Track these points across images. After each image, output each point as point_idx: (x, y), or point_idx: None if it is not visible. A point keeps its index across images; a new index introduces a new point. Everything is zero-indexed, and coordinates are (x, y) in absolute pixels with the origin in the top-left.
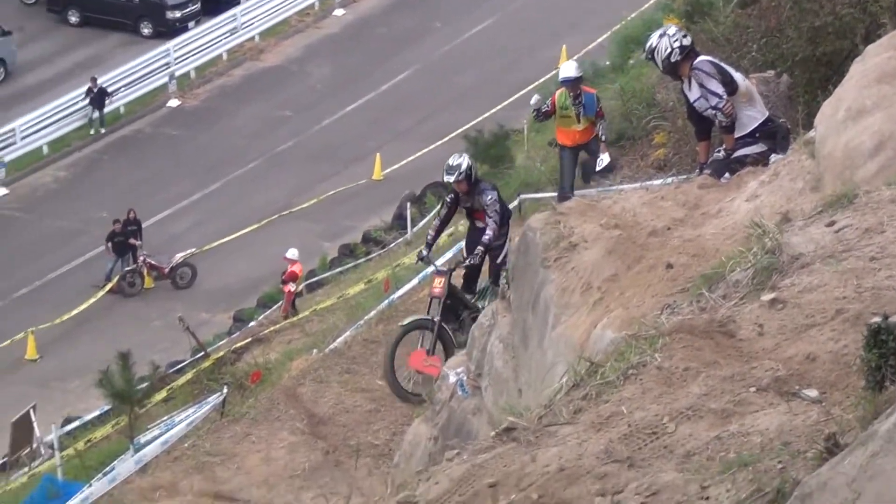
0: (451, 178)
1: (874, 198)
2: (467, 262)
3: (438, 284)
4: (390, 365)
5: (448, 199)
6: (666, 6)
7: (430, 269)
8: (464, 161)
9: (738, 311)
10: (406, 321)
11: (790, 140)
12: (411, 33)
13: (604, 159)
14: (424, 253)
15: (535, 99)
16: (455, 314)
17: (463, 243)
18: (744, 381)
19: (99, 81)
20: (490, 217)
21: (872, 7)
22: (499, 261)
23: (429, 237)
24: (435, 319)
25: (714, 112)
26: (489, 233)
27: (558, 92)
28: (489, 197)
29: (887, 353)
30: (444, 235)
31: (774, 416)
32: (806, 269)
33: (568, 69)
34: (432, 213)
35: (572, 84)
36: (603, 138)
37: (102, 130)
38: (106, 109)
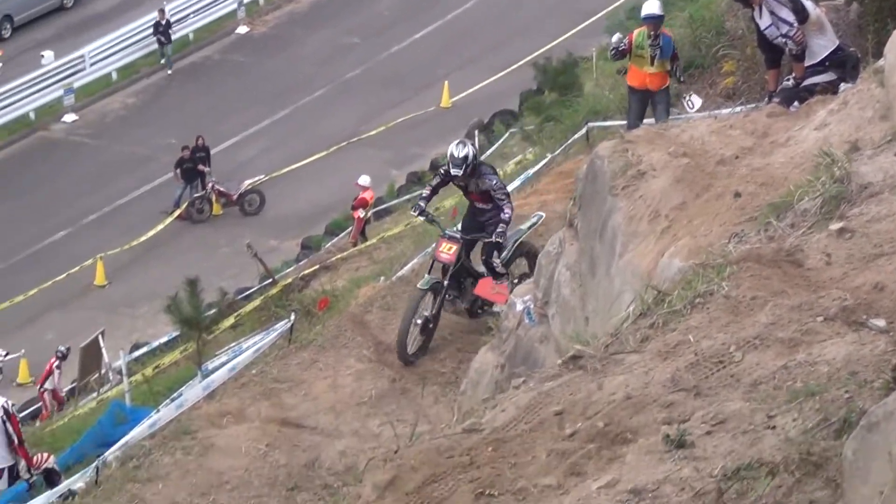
0: (460, 172)
1: None
2: (494, 238)
3: (447, 251)
4: (407, 326)
5: (442, 172)
6: None
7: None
8: (469, 151)
9: (806, 240)
10: (423, 283)
11: (860, 69)
12: None
13: (694, 102)
14: (423, 206)
15: (616, 37)
16: (459, 281)
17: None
18: (811, 311)
19: (168, 10)
20: (501, 200)
21: None
22: (495, 237)
23: (421, 201)
24: (444, 284)
25: (785, 40)
26: (508, 212)
27: (636, 31)
28: (493, 182)
29: None
30: (512, 163)
31: (842, 345)
32: (874, 199)
33: (652, 6)
34: (497, 145)
35: (654, 22)
36: (682, 79)
37: (170, 68)
38: (176, 36)
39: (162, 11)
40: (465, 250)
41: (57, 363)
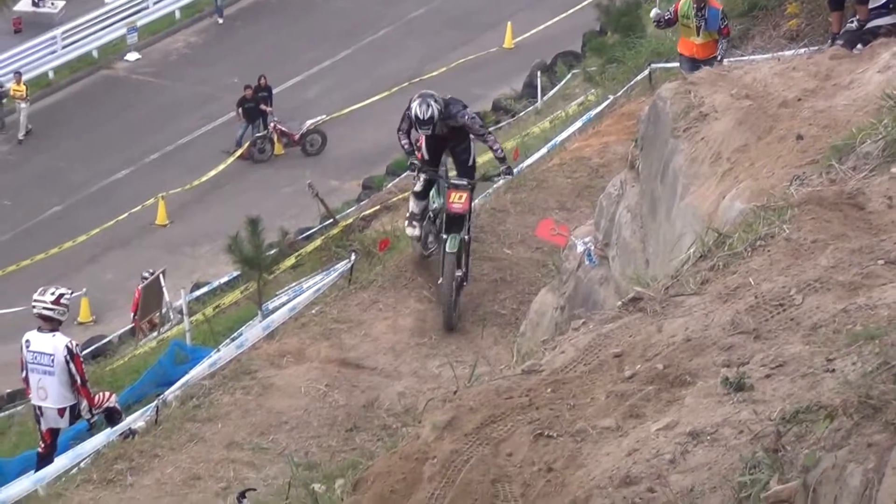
0: (429, 131)
1: None
2: (506, 176)
3: (459, 199)
4: (450, 293)
5: (408, 115)
6: None
7: (502, 167)
8: (433, 108)
9: (868, 183)
10: (454, 246)
11: None
12: None
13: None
14: (414, 162)
15: (654, 13)
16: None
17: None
18: (872, 254)
19: None
20: (482, 133)
21: None
22: (470, 163)
23: (405, 146)
24: (466, 238)
25: None
26: (497, 146)
27: (682, 1)
28: (467, 116)
29: None
30: (574, 105)
31: None
32: None
33: None
34: (559, 86)
35: None
36: (720, 58)
37: (220, 20)
38: None
39: None
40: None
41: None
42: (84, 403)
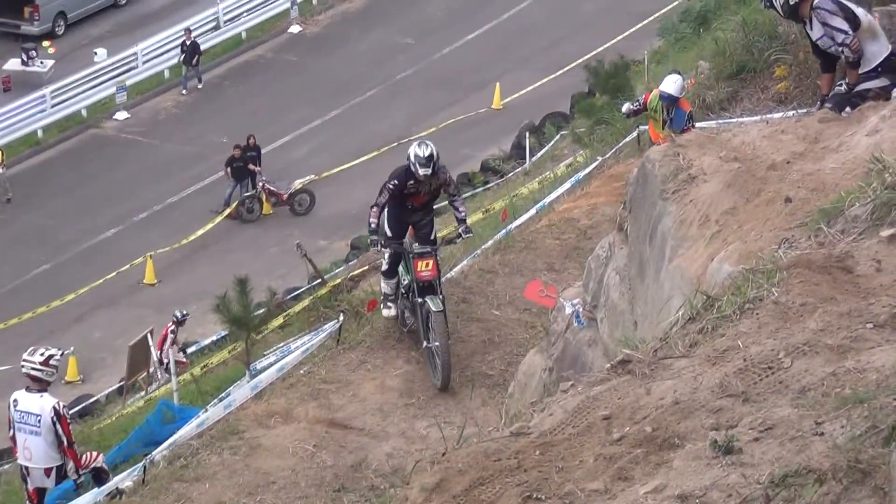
0: (429, 171)
1: None
2: (465, 236)
3: (426, 267)
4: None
5: (392, 187)
6: None
7: (460, 228)
8: (432, 148)
9: (857, 246)
10: (439, 305)
11: None
12: None
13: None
14: (375, 239)
15: (626, 107)
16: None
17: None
18: (861, 317)
19: (193, 34)
20: (454, 194)
21: None
22: (432, 237)
23: (372, 224)
24: (441, 301)
25: (841, 48)
26: (462, 209)
27: (652, 92)
28: (447, 173)
29: None
30: (563, 166)
31: (891, 352)
32: None
33: (668, 84)
34: (548, 147)
35: (667, 103)
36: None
37: (200, 86)
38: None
39: (188, 31)
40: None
41: (173, 328)
42: (70, 464)
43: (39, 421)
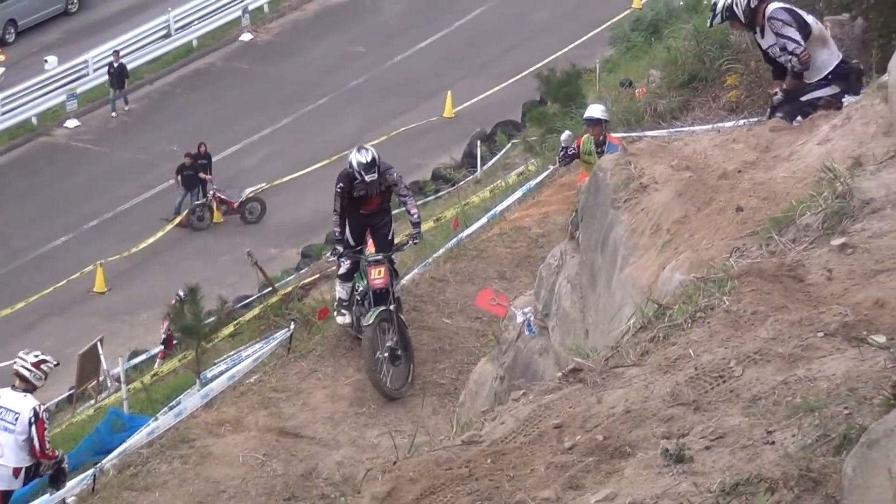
0: (375, 176)
1: None
2: (414, 242)
3: (379, 274)
4: (373, 367)
5: (339, 190)
6: None
7: (414, 231)
8: (373, 152)
9: (808, 255)
10: (369, 319)
11: (863, 82)
12: None
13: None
14: (340, 249)
15: (566, 135)
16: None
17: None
18: (812, 326)
19: (122, 55)
20: (405, 195)
21: None
22: (390, 237)
23: (337, 233)
24: (390, 308)
25: (790, 57)
26: (415, 211)
27: (584, 136)
28: (396, 174)
29: None
30: (514, 174)
31: (842, 361)
32: (877, 214)
33: (594, 110)
34: (499, 156)
35: (594, 126)
36: None
37: (126, 108)
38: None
39: (116, 53)
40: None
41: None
42: (44, 464)
43: (16, 419)
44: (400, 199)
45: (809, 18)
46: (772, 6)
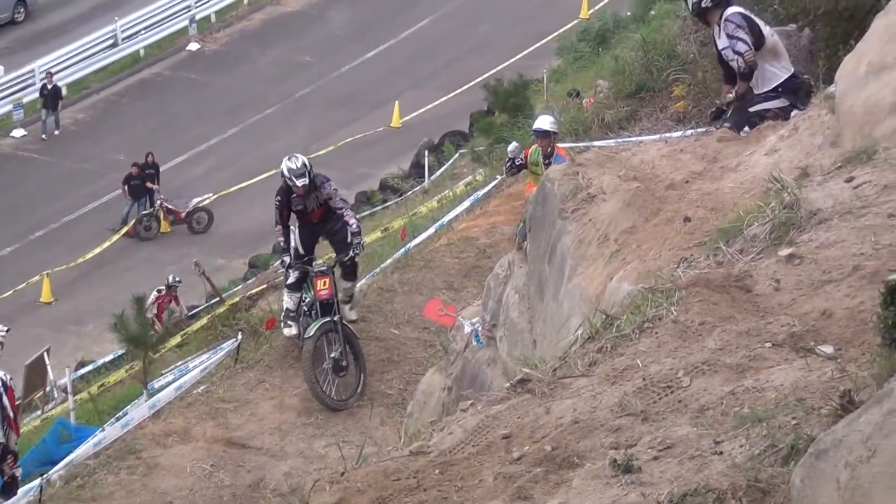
0: (306, 181)
1: (893, 154)
2: (352, 256)
3: (324, 286)
4: (312, 378)
5: (277, 202)
6: None
7: (351, 254)
8: (303, 158)
9: (755, 265)
10: (311, 331)
11: (812, 97)
12: None
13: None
14: (287, 260)
15: (512, 146)
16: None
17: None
18: (759, 336)
19: (48, 70)
20: (341, 207)
21: None
22: (349, 239)
23: (282, 243)
24: (335, 319)
25: (736, 57)
26: (353, 222)
27: (532, 147)
28: (332, 187)
29: None
30: (462, 184)
31: (789, 371)
32: (824, 225)
33: (542, 121)
34: (447, 166)
35: (543, 137)
36: None
37: (57, 132)
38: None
39: (50, 74)
40: (353, 267)
41: (167, 297)
42: (13, 437)
43: None
44: (337, 211)
45: (766, 30)
46: (731, 9)
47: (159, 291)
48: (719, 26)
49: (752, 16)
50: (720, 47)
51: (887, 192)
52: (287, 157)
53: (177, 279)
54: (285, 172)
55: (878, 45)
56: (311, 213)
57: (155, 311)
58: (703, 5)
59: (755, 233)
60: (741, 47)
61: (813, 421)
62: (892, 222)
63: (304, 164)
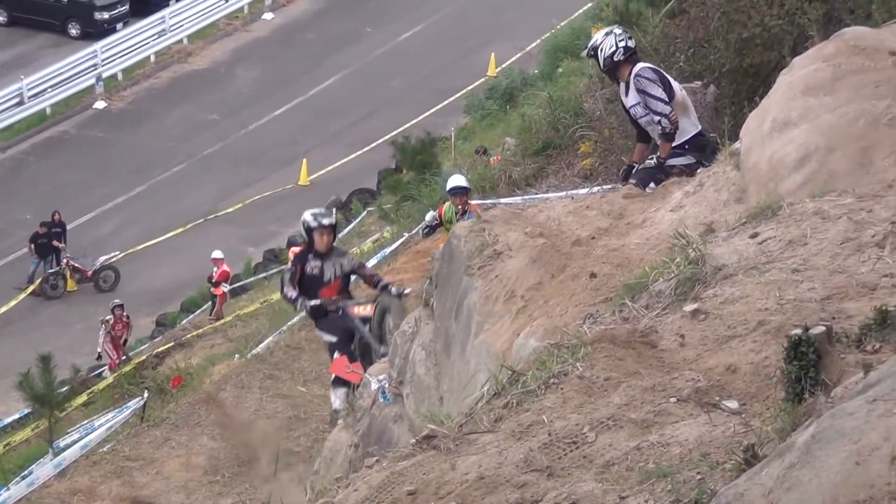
0: (332, 219)
1: (798, 210)
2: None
3: (364, 310)
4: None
5: (292, 270)
6: (595, 15)
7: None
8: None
9: (661, 321)
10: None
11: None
12: (341, 38)
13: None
14: (304, 302)
15: (430, 215)
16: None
17: None
18: (664, 392)
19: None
20: (363, 266)
21: (800, 19)
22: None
23: (292, 296)
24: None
25: (658, 118)
26: (374, 273)
27: (446, 205)
28: (352, 256)
29: (807, 364)
30: (369, 242)
31: (694, 426)
32: (729, 281)
33: (457, 179)
34: (355, 223)
35: (460, 195)
36: None
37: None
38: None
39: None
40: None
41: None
42: None
43: None
44: (365, 276)
45: (675, 84)
46: (640, 65)
47: (106, 323)
48: (628, 83)
49: (663, 71)
50: (629, 104)
51: (791, 247)
52: (315, 211)
53: (116, 301)
54: (308, 218)
55: (783, 101)
56: (327, 284)
57: (110, 343)
58: (615, 59)
59: (661, 288)
60: (661, 107)
61: (717, 475)
62: (797, 278)
63: (332, 212)
